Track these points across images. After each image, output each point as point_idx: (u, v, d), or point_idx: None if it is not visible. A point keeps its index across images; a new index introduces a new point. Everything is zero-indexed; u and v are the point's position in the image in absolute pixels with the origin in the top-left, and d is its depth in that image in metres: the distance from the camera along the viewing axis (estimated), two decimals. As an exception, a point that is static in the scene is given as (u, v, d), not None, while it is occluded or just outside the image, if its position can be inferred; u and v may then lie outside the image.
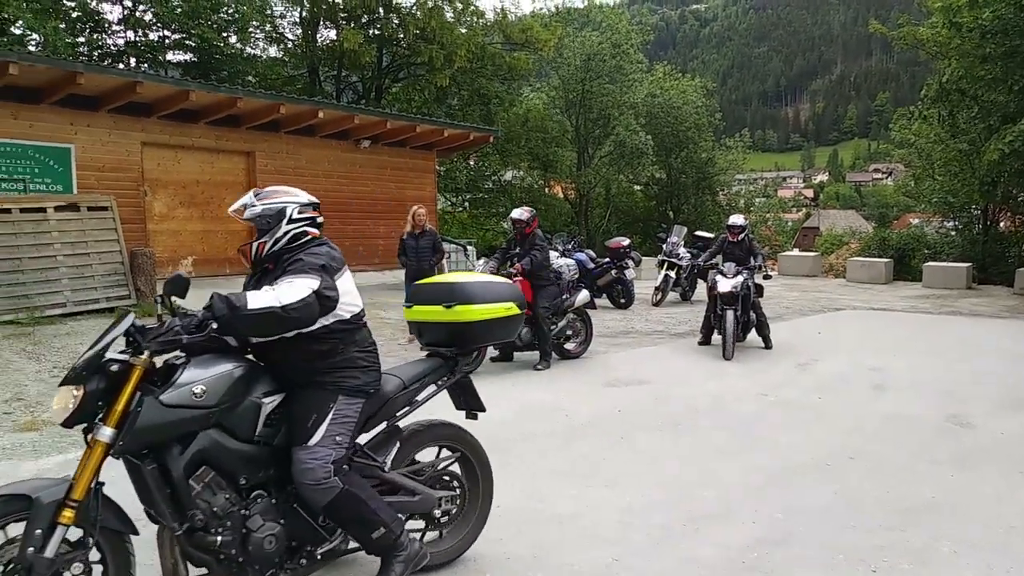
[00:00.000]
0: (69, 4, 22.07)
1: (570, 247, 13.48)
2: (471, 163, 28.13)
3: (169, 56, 24.26)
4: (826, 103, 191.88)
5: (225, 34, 23.95)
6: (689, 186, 32.22)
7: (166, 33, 23.43)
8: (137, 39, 23.57)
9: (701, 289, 15.62)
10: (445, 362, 3.50)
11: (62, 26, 20.78)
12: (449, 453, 3.59)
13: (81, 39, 22.57)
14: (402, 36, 23.40)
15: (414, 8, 23.43)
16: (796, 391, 7.24)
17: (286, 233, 3.03)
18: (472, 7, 24.12)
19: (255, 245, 3.06)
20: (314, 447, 2.86)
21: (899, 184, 33.50)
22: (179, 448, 2.69)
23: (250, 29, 24.81)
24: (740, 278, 8.90)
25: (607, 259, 13.77)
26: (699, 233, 16.24)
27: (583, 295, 8.87)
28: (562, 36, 26.50)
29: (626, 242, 13.96)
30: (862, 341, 10.41)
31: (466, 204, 31.02)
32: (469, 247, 19.61)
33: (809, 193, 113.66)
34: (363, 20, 23.66)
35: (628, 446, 5.40)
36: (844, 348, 9.68)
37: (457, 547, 3.51)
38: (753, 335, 9.39)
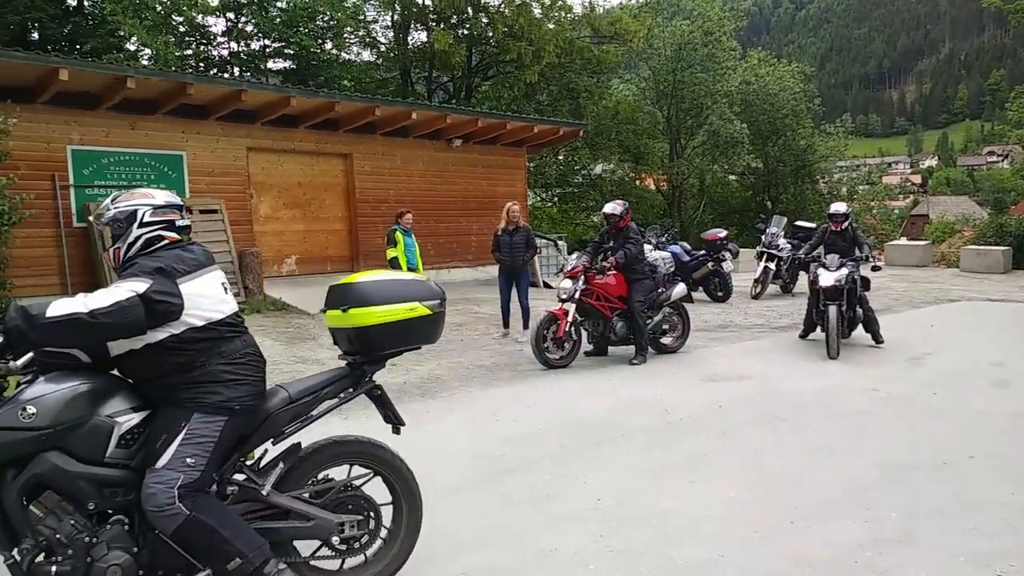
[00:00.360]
0: (178, 19, 23.31)
1: (664, 240, 13.29)
2: (560, 158, 28.09)
3: (269, 64, 25.29)
4: (934, 84, 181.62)
5: (321, 41, 24.77)
6: (787, 175, 31.15)
7: (266, 42, 24.41)
8: (240, 49, 24.67)
9: (803, 281, 15.11)
10: (350, 372, 3.14)
11: (171, 40, 21.97)
12: (363, 471, 3.25)
13: (189, 51, 23.80)
14: (491, 35, 23.58)
15: (502, 6, 23.57)
16: (909, 386, 6.90)
17: (138, 237, 2.80)
18: (560, 2, 24.07)
19: (112, 252, 2.86)
20: (160, 470, 2.60)
21: (1017, 167, 31.34)
22: (13, 472, 2.49)
23: (345, 35, 25.57)
24: (844, 271, 8.32)
25: (702, 252, 13.51)
26: (799, 223, 15.68)
27: (679, 288, 8.73)
28: (651, 26, 26.10)
29: (722, 233, 13.65)
30: (980, 334, 9.81)
31: (555, 199, 31.02)
32: (560, 242, 19.61)
33: (917, 179, 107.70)
34: (452, 21, 23.98)
35: (730, 442, 5.28)
36: (960, 342, 9.15)
37: (393, 562, 3.23)
38: (860, 331, 8.85)
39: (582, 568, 3.42)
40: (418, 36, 26.01)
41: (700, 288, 13.24)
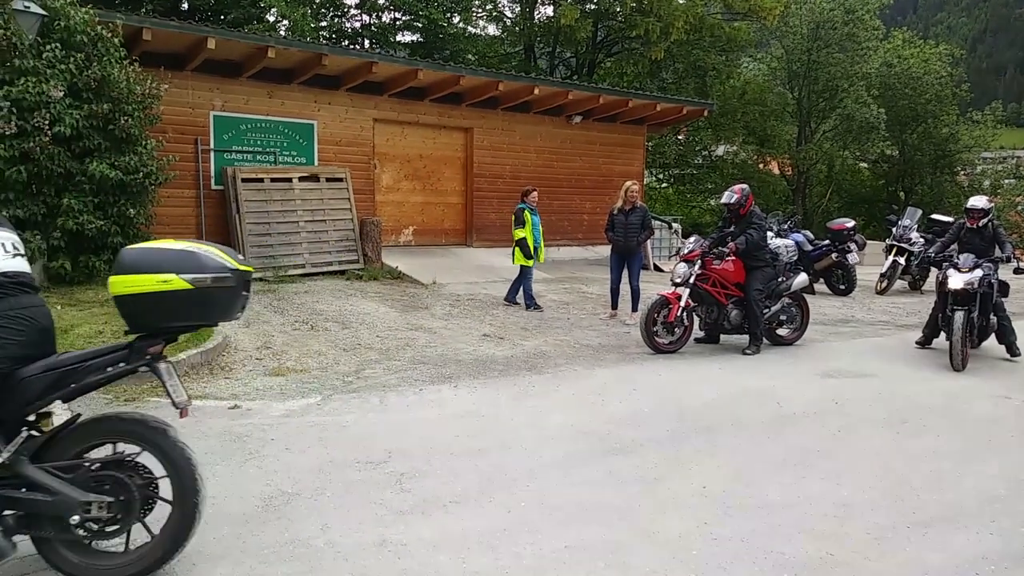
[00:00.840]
0: (315, -9, 24.16)
1: (786, 227, 12.78)
2: (681, 138, 27.40)
3: (398, 37, 25.88)
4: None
5: (449, 14, 25.09)
6: (925, 164, 29.13)
7: (396, 15, 24.96)
8: (371, 22, 25.35)
9: (934, 278, 14.24)
10: (128, 346, 2.92)
11: (308, 12, 22.83)
12: (130, 450, 2.99)
13: (323, 23, 24.67)
14: (619, 9, 23.16)
15: (632, -20, 23.08)
16: (1051, 398, 6.40)
17: None
18: (693, -24, 23.33)
19: None
20: None
21: None
22: None
23: (472, 8, 25.80)
24: (978, 272, 7.38)
25: (826, 241, 12.93)
26: (936, 216, 14.69)
27: (801, 278, 8.41)
28: (789, 3, 24.90)
29: (850, 224, 13.01)
30: None
31: (672, 180, 30.34)
32: (675, 224, 19.22)
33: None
34: (580, -5, 23.70)
35: (847, 440, 5.07)
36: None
37: (151, 553, 2.95)
38: (992, 342, 8.07)
39: (685, 551, 3.39)
40: (545, 11, 25.91)
41: (822, 280, 12.69)
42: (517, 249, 9.91)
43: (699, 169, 29.12)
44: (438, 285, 11.15)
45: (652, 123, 17.59)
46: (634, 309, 9.35)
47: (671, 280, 7.90)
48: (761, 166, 29.25)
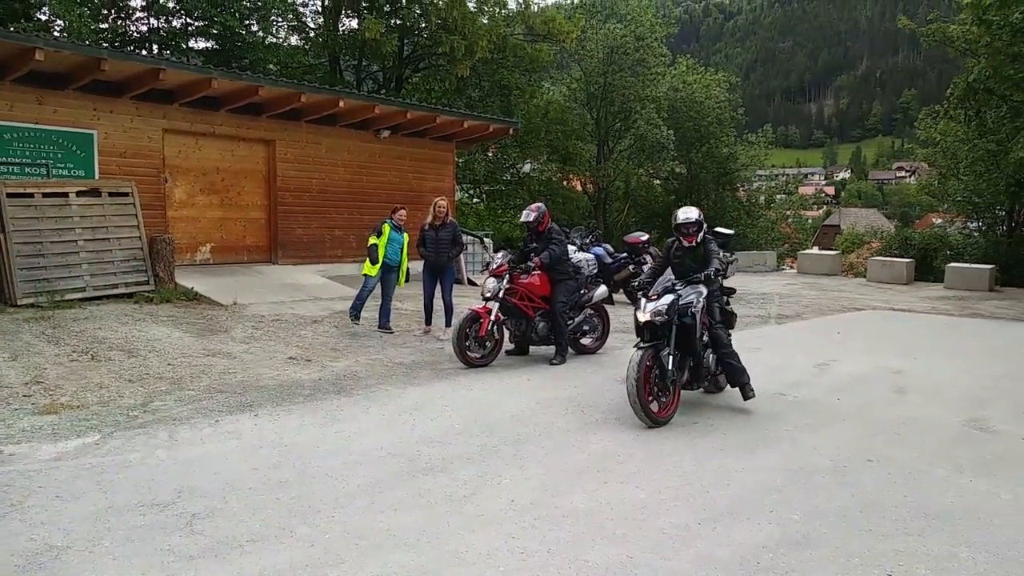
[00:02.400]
0: (94, -10, 22.19)
1: (588, 241, 13.40)
2: (490, 155, 28.06)
3: (191, 43, 24.35)
4: (850, 99, 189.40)
5: (247, 22, 24.00)
6: (709, 181, 31.94)
7: (188, 20, 23.49)
8: (159, 26, 23.67)
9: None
10: None
11: (86, 12, 20.91)
12: None
13: (104, 26, 22.70)
14: (424, 26, 23.34)
15: (436, -2, 23.35)
16: (815, 391, 7.16)
17: None
18: (494, -3, 24.03)
19: None
20: None
21: (922, 183, 33.05)
22: None
23: (272, 17, 24.86)
24: (667, 298, 5.88)
25: (624, 254, 13.71)
26: (718, 229, 15.97)
27: (601, 290, 8.83)
28: (585, 28, 26.31)
29: (645, 237, 13.89)
30: (882, 342, 10.28)
31: (483, 196, 30.96)
32: (486, 239, 19.58)
33: (831, 191, 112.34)
34: (385, 9, 23.64)
35: (644, 443, 5.35)
36: (863, 349, 9.56)
37: None
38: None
39: (493, 569, 3.40)
40: (349, 23, 25.53)
41: (621, 290, 13.41)
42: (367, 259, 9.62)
43: (508, 185, 29.98)
44: (239, 306, 10.54)
45: (461, 139, 17.83)
46: (448, 324, 9.37)
47: (481, 295, 8.01)
48: (565, 183, 30.64)
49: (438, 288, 9.63)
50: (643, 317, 5.85)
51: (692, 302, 5.97)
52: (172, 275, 11.32)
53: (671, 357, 5.82)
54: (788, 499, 4.35)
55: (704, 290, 6.13)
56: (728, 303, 7.07)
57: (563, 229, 8.97)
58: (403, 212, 10.01)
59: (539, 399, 6.53)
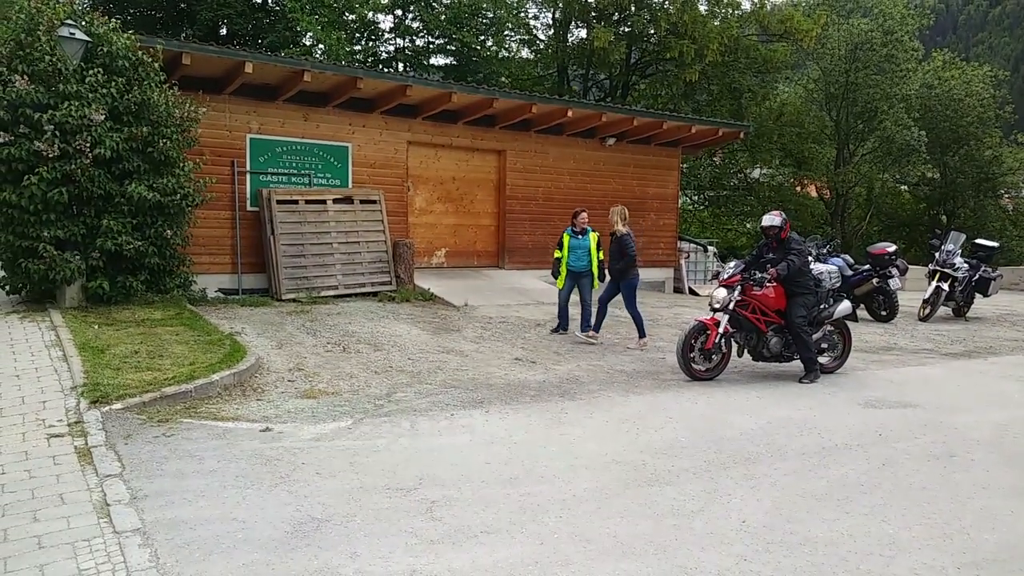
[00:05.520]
0: (350, 16, 24.54)
1: (824, 252, 12.53)
2: (716, 160, 27.21)
3: (432, 60, 26.13)
4: None
5: (482, 37, 25.30)
6: (967, 187, 28.53)
7: (430, 39, 25.23)
8: (405, 45, 25.65)
9: (979, 304, 13.84)
10: None
11: (343, 35, 23.17)
12: None
13: (358, 47, 25.01)
14: (652, 32, 23.18)
15: (666, 3, 23.09)
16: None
17: None
18: (727, -1, 23.29)
19: None
20: None
21: None
22: None
23: (505, 32, 25.98)
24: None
25: (867, 266, 12.64)
26: (979, 241, 14.30)
27: (844, 306, 8.11)
28: (826, 25, 24.67)
29: (891, 248, 12.70)
30: None
31: (706, 202, 30.10)
32: (710, 247, 19.01)
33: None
34: (614, 18, 23.78)
35: (891, 474, 4.87)
36: None
37: None
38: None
39: (724, 593, 3.25)
40: (578, 33, 26.02)
41: (862, 305, 12.40)
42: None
43: (734, 191, 28.88)
44: (470, 307, 11.10)
45: (687, 145, 17.47)
46: (588, 327, 9.37)
47: (709, 305, 7.68)
48: (798, 189, 28.90)
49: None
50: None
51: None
52: (411, 276, 12.18)
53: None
54: (1077, 554, 3.74)
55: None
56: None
57: (801, 239, 8.42)
58: (584, 215, 9.84)
59: (771, 418, 6.19)
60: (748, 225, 28.91)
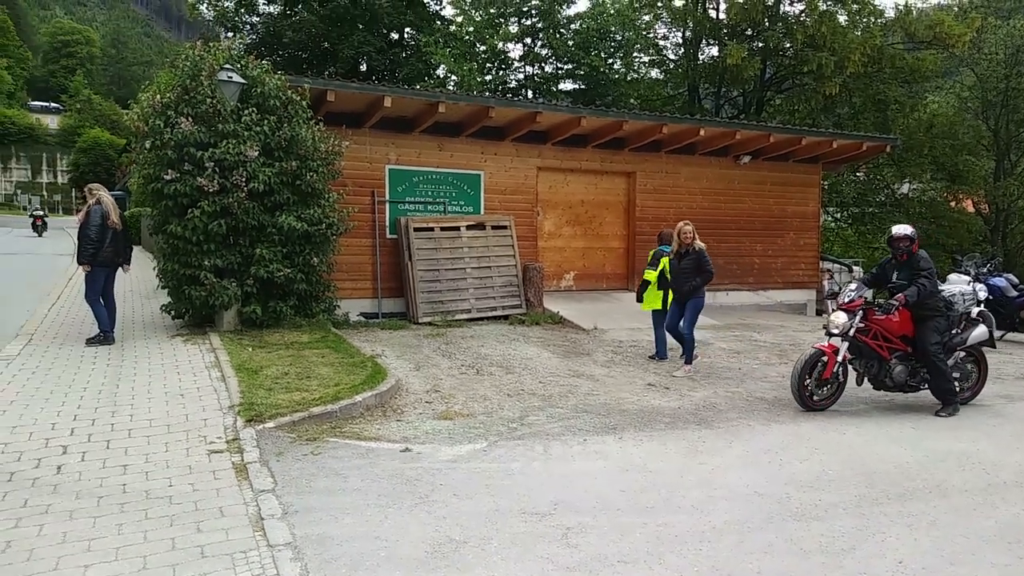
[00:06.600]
0: (480, 48, 25.31)
1: (985, 271, 11.60)
2: (860, 175, 25.82)
3: (560, 85, 26.46)
4: None
5: (611, 60, 25.36)
6: None
7: (559, 65, 25.57)
8: (534, 72, 26.12)
9: None
10: None
11: (474, 66, 23.90)
12: None
13: (488, 77, 25.72)
14: (788, 45, 22.41)
15: (802, 15, 22.30)
16: None
17: None
18: (869, 7, 22.15)
19: None
20: None
21: None
22: None
23: (634, 54, 25.93)
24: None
25: (1035, 286, 11.59)
26: None
27: (979, 331, 7.36)
28: (981, 28, 22.98)
29: (1063, 266, 11.57)
30: None
31: (850, 219, 28.52)
32: (855, 267, 18.01)
33: None
34: (747, 33, 23.19)
35: (1074, 518, 4.41)
36: None
37: None
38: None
39: (881, 640, 3.04)
40: (708, 51, 25.56)
41: (1031, 329, 11.38)
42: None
43: (881, 208, 27.21)
44: (599, 331, 11.03)
45: (827, 161, 16.69)
46: (688, 361, 8.66)
47: (826, 330, 7.08)
48: (952, 204, 26.87)
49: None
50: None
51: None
52: (541, 300, 12.28)
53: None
54: None
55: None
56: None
57: (957, 258, 7.79)
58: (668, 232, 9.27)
59: (928, 451, 5.76)
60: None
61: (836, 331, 6.92)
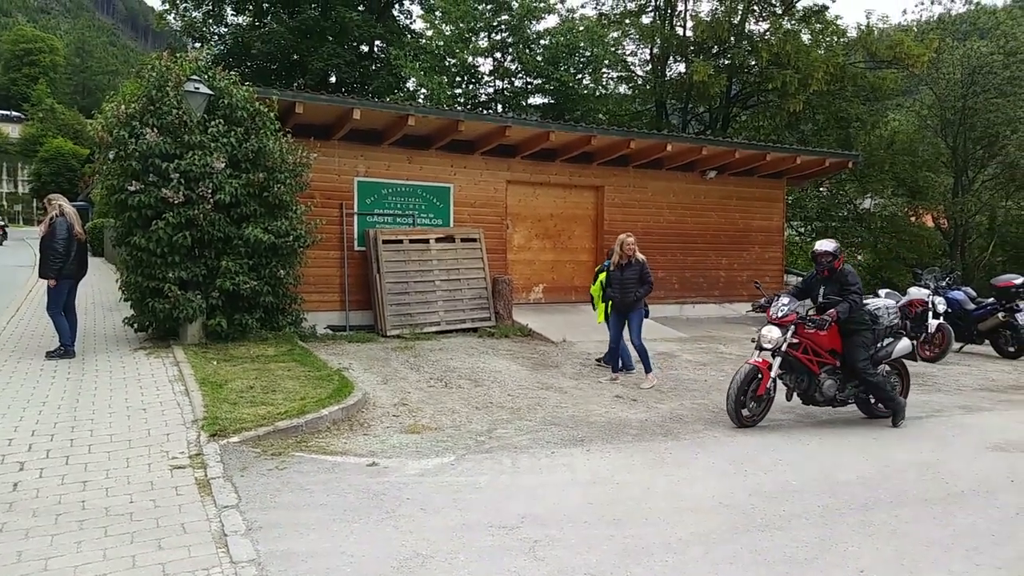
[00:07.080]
0: (451, 61, 25.38)
1: (943, 284, 11.86)
2: (823, 190, 26.31)
3: (530, 100, 26.63)
4: None
5: (580, 76, 25.59)
6: (1104, 213, 26.41)
7: (528, 79, 25.72)
8: (503, 87, 26.25)
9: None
10: None
11: (444, 80, 23.95)
12: None
13: (459, 90, 25.79)
14: (753, 63, 22.83)
15: (767, 34, 22.75)
16: None
17: None
18: (832, 26, 22.68)
19: None
20: None
21: None
22: None
23: (603, 70, 26.20)
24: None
25: (991, 299, 11.87)
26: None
27: (903, 345, 7.40)
28: (939, 49, 23.62)
29: (1018, 280, 11.87)
30: None
31: (814, 234, 29.01)
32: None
33: None
34: (713, 51, 23.58)
35: (1028, 526, 4.51)
36: None
37: None
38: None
39: (843, 649, 3.08)
40: (676, 68, 25.93)
41: (987, 341, 11.66)
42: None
43: (844, 223, 27.73)
44: (568, 343, 11.07)
45: (792, 176, 17.00)
46: (647, 369, 8.70)
47: (757, 344, 7.00)
48: (912, 219, 27.48)
49: (626, 332, 8.90)
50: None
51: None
52: (510, 312, 12.29)
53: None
54: None
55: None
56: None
57: (916, 271, 7.94)
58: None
59: (889, 461, 5.86)
60: (860, 257, 27.68)
61: (769, 346, 6.83)
